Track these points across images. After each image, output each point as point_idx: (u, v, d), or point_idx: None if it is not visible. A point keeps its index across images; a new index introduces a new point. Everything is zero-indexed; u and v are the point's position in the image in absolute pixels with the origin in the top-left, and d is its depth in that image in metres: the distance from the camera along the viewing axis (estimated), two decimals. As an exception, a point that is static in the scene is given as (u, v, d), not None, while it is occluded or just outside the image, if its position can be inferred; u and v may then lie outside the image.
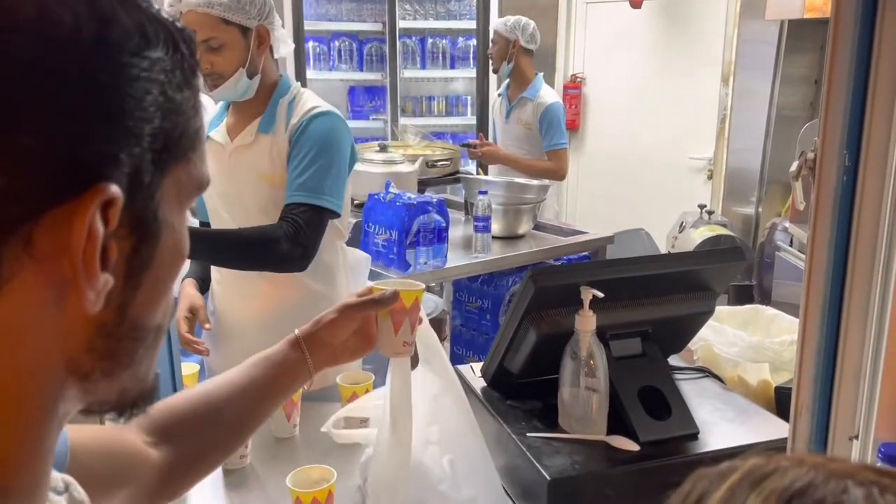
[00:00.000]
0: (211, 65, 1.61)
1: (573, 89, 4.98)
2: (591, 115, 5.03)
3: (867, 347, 0.95)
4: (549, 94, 3.51)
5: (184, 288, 1.76)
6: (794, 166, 1.62)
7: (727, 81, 4.25)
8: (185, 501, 1.28)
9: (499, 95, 3.74)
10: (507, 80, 3.60)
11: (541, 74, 3.58)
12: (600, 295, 1.18)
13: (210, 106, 1.89)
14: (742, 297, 3.66)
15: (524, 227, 2.96)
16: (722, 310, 1.63)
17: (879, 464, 0.87)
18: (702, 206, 3.91)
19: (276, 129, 1.69)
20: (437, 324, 3.01)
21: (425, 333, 1.07)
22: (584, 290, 1.19)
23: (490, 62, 3.62)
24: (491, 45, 3.57)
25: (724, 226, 3.81)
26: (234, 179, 1.71)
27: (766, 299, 3.55)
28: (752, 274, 3.79)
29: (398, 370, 1.04)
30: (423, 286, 1.06)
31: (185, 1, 1.60)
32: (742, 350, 1.44)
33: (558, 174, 3.45)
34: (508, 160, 3.49)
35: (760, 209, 4.16)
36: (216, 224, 1.80)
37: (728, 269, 1.31)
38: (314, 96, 1.76)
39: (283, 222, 1.61)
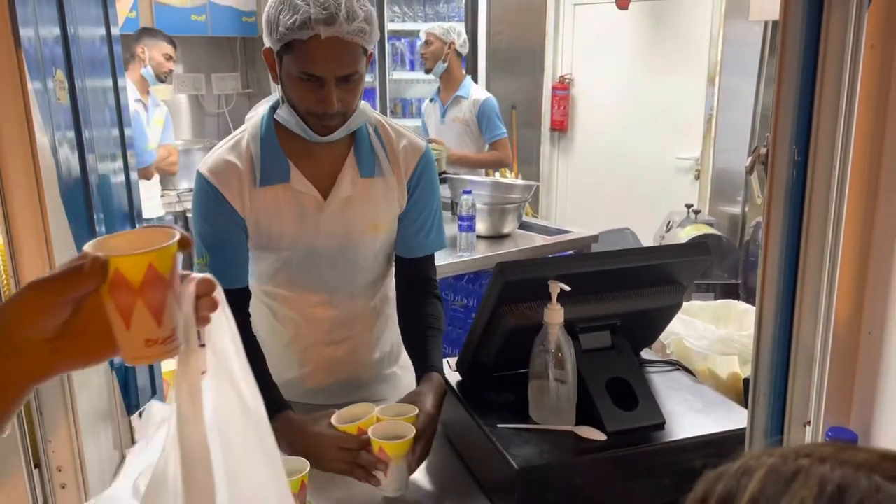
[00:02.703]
0: (340, 103, 1.31)
1: (561, 90, 5.01)
2: (580, 116, 5.06)
3: (818, 336, 0.98)
4: (482, 92, 3.85)
5: (296, 434, 1.29)
6: (747, 161, 1.65)
7: (713, 82, 4.29)
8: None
9: (431, 100, 3.98)
10: (438, 85, 3.87)
11: (469, 76, 3.89)
12: (567, 289, 1.21)
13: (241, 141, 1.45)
14: (728, 295, 3.69)
15: (509, 226, 2.99)
16: (694, 304, 1.66)
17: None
18: (689, 206, 3.95)
19: (381, 171, 1.46)
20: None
21: (216, 332, 0.72)
22: (551, 283, 1.22)
23: (424, 60, 3.84)
24: (424, 46, 3.81)
25: (711, 225, 3.85)
26: (342, 232, 1.45)
27: (751, 297, 3.57)
28: (738, 273, 3.82)
29: (183, 389, 0.68)
30: (171, 241, 0.64)
31: (325, 26, 1.25)
32: (711, 343, 1.47)
33: (504, 162, 3.80)
34: (457, 157, 3.69)
35: (747, 208, 4.19)
36: (312, 275, 1.47)
37: (694, 263, 1.34)
38: (389, 119, 1.54)
39: (438, 300, 1.57)
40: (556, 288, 1.22)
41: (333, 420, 1.25)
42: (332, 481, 1.31)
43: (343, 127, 1.36)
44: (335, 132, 1.35)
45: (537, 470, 1.16)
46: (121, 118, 1.28)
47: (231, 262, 1.41)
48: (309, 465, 1.19)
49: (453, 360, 1.52)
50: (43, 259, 0.89)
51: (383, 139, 1.48)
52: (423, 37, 3.85)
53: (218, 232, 1.39)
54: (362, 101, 1.41)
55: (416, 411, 1.30)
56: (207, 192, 1.37)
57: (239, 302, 1.42)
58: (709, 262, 1.32)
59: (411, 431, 1.23)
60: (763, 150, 1.66)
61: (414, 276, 1.57)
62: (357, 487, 1.27)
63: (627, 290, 1.34)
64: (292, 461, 1.20)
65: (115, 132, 1.27)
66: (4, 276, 0.88)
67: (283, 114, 1.37)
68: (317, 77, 1.28)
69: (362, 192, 1.45)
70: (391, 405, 1.34)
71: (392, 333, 1.65)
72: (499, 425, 1.26)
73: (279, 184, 1.40)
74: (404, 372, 1.69)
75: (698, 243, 1.35)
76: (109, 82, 1.24)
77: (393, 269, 1.61)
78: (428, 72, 3.85)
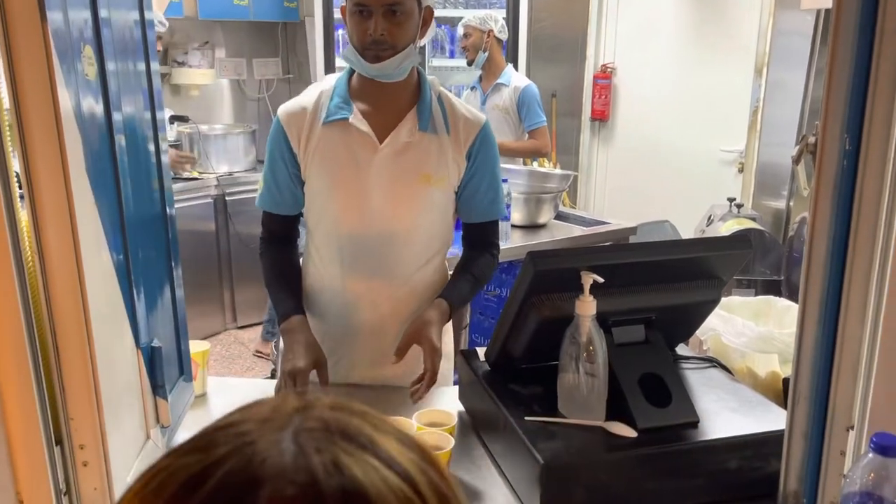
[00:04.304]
0: (386, 33, 1.45)
1: (603, 79, 4.92)
2: (621, 106, 4.97)
3: (865, 338, 0.93)
4: (522, 79, 3.76)
5: (299, 330, 1.51)
6: (794, 150, 1.58)
7: (760, 73, 4.16)
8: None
9: (472, 88, 3.92)
10: (480, 72, 3.79)
11: (510, 64, 3.82)
12: (600, 280, 1.17)
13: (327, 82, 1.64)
14: (770, 292, 3.59)
15: (545, 216, 2.95)
16: (733, 300, 1.61)
17: (871, 454, 0.85)
18: (731, 200, 3.85)
19: (436, 129, 1.55)
20: (457, 313, 3.02)
21: None
22: (584, 274, 1.19)
23: (465, 53, 3.79)
24: (464, 38, 3.75)
25: (754, 219, 3.74)
26: (394, 178, 1.54)
27: (794, 295, 3.47)
28: (780, 269, 3.72)
29: None
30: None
31: None
32: (750, 340, 1.42)
33: (542, 151, 3.74)
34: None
35: (792, 203, 4.07)
36: (363, 221, 1.56)
37: (734, 257, 1.29)
38: (450, 94, 1.65)
39: (493, 256, 1.67)
40: (588, 279, 1.19)
41: None
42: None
43: (394, 60, 1.47)
44: (385, 63, 1.47)
45: (564, 465, 1.13)
46: (153, 102, 1.27)
47: (282, 189, 1.59)
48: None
49: (482, 350, 1.50)
50: (67, 234, 0.88)
51: (445, 107, 1.59)
52: (460, 30, 3.81)
53: (275, 161, 1.58)
54: (431, 76, 1.60)
55: (455, 421, 1.32)
56: (276, 127, 1.58)
57: (282, 226, 1.64)
58: (750, 256, 1.27)
59: (449, 443, 1.21)
60: (812, 139, 1.59)
61: (477, 239, 1.67)
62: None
63: (664, 283, 1.29)
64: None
65: (147, 115, 1.26)
66: (29, 252, 0.87)
67: (347, 53, 1.52)
68: (366, 8, 1.44)
69: (418, 144, 1.54)
70: (426, 411, 1.34)
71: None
72: (526, 418, 1.23)
73: (340, 120, 1.53)
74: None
75: (739, 236, 1.30)
76: (142, 66, 1.23)
77: (445, 257, 1.69)
78: (470, 64, 3.80)
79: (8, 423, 0.88)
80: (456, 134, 1.57)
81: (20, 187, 0.88)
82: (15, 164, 0.87)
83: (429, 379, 1.45)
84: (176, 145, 4.28)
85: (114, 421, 0.99)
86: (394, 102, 1.56)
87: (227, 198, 4.27)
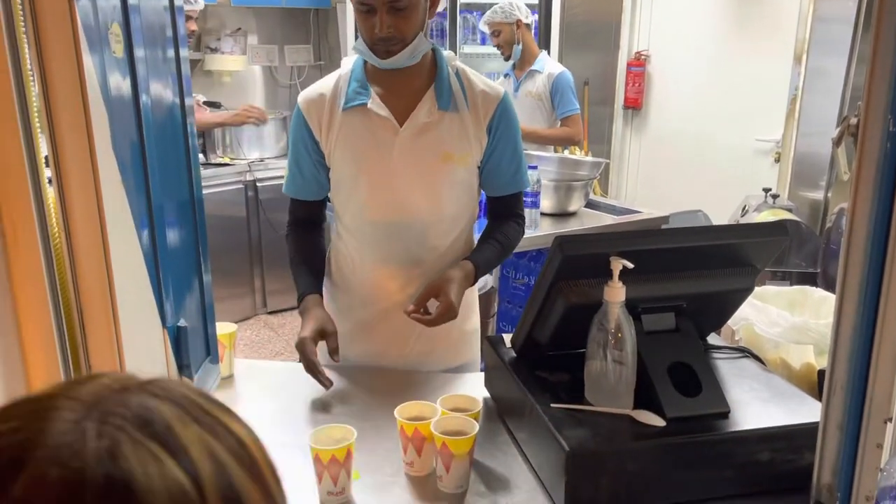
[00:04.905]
0: (394, 28, 1.44)
1: (636, 67, 4.85)
2: (655, 94, 4.89)
3: (906, 326, 0.89)
4: (556, 66, 3.69)
5: (312, 307, 1.54)
6: (835, 132, 1.53)
7: (800, 60, 4.05)
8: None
9: (505, 76, 3.84)
10: (513, 60, 3.73)
11: (544, 50, 3.77)
12: (630, 266, 1.15)
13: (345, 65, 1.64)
14: (806, 284, 3.52)
15: (575, 204, 2.91)
16: (767, 289, 1.57)
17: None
18: (766, 190, 3.77)
19: (456, 106, 1.54)
20: (485, 300, 3.01)
21: None
22: (613, 260, 1.16)
23: (500, 51, 3.72)
24: (493, 37, 3.68)
25: (790, 210, 3.66)
26: (416, 159, 1.54)
27: (830, 287, 3.39)
28: (817, 261, 3.63)
29: None
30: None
31: None
32: (785, 331, 1.38)
33: (575, 139, 3.65)
34: (527, 133, 3.54)
35: (830, 194, 3.97)
36: (389, 206, 1.57)
37: (769, 244, 1.26)
38: (468, 68, 1.63)
39: (518, 224, 1.67)
40: (617, 265, 1.16)
41: (396, 413, 1.24)
42: (384, 448, 1.29)
43: (405, 52, 1.48)
44: (396, 57, 1.48)
45: (590, 453, 1.11)
46: (182, 89, 1.26)
47: (306, 175, 1.61)
48: (356, 433, 1.17)
49: (508, 337, 1.48)
50: (93, 212, 0.89)
51: (463, 83, 1.58)
52: (486, 29, 3.73)
53: (298, 149, 1.60)
54: (447, 51, 1.60)
55: (480, 407, 1.31)
56: (297, 115, 1.59)
57: (308, 211, 1.67)
58: (786, 244, 1.23)
59: (474, 428, 1.19)
60: (853, 120, 1.54)
61: (502, 211, 1.67)
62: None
63: (695, 270, 1.26)
64: (340, 429, 1.18)
65: (177, 100, 1.26)
66: (57, 228, 0.88)
67: (358, 45, 1.52)
68: (369, 6, 1.43)
69: (438, 123, 1.54)
70: (451, 396, 1.33)
71: (468, 307, 1.68)
72: (552, 405, 1.21)
73: (359, 106, 1.53)
74: (463, 336, 1.70)
75: (775, 223, 1.27)
76: (171, 52, 1.23)
77: (473, 233, 1.69)
78: (507, 59, 3.74)
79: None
80: (475, 109, 1.56)
81: (47, 166, 0.88)
82: (43, 148, 0.87)
83: (426, 321, 1.46)
84: (214, 103, 4.30)
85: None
86: (411, 83, 1.55)
87: (257, 184, 4.30)
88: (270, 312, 4.53)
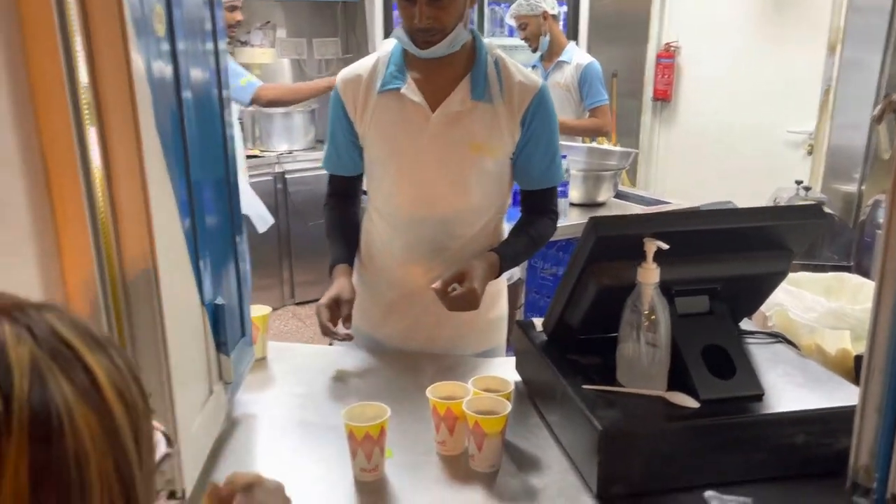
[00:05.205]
0: (433, 19, 1.45)
1: (666, 58, 4.81)
2: (684, 86, 4.85)
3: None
4: (585, 56, 3.65)
5: (336, 275, 1.59)
6: (876, 109, 1.51)
7: (834, 50, 3.99)
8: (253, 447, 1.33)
9: (532, 67, 3.81)
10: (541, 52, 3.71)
11: (572, 41, 3.74)
12: (665, 247, 1.15)
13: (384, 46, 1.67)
14: (838, 278, 3.47)
15: (604, 194, 2.90)
16: (802, 276, 1.55)
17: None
18: (798, 182, 3.72)
19: (490, 97, 1.53)
20: (512, 291, 3.01)
21: None
22: (647, 241, 1.16)
23: (528, 44, 3.69)
24: (520, 31, 3.65)
25: (823, 203, 3.61)
26: (445, 148, 1.54)
27: (864, 281, 3.34)
28: (850, 254, 3.58)
29: None
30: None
31: None
32: (820, 316, 1.36)
33: (603, 130, 3.60)
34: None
35: (864, 187, 3.91)
36: (416, 193, 1.58)
37: (805, 227, 1.24)
38: (507, 57, 1.61)
39: (551, 220, 1.67)
40: (652, 246, 1.16)
41: (428, 393, 1.26)
42: (415, 429, 1.31)
43: (444, 42, 1.48)
44: (435, 47, 1.48)
45: (622, 433, 1.11)
46: (220, 81, 1.28)
47: (341, 152, 1.65)
48: (389, 411, 1.18)
49: (539, 321, 1.48)
50: (137, 183, 0.91)
51: (501, 72, 1.56)
52: (513, 22, 3.71)
53: (335, 126, 1.63)
54: (488, 40, 1.59)
55: (511, 387, 1.31)
56: (335, 94, 1.62)
57: (344, 186, 1.71)
58: (822, 227, 1.21)
59: (506, 408, 1.20)
60: (895, 97, 1.51)
61: (534, 206, 1.66)
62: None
63: (730, 252, 1.25)
64: (373, 407, 1.20)
65: (215, 91, 1.28)
66: (102, 199, 0.90)
67: (397, 33, 1.54)
68: None
69: (470, 113, 1.53)
70: (483, 377, 1.34)
71: (496, 294, 1.69)
72: (583, 386, 1.21)
73: (394, 90, 1.55)
74: (489, 323, 1.71)
75: (811, 205, 1.25)
76: (210, 45, 1.25)
77: (502, 224, 1.68)
78: (535, 51, 3.72)
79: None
80: (510, 100, 1.54)
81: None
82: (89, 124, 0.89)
83: (447, 302, 1.46)
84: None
85: (179, 373, 1.02)
86: (448, 71, 1.55)
87: (286, 176, 4.34)
88: (298, 303, 4.57)
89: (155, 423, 0.58)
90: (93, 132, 0.88)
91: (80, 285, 0.91)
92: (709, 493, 1.11)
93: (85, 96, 0.87)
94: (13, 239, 0.82)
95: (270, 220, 3.45)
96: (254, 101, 3.31)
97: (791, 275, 1.45)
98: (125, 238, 0.93)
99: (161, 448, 0.57)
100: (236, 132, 3.50)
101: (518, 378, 1.50)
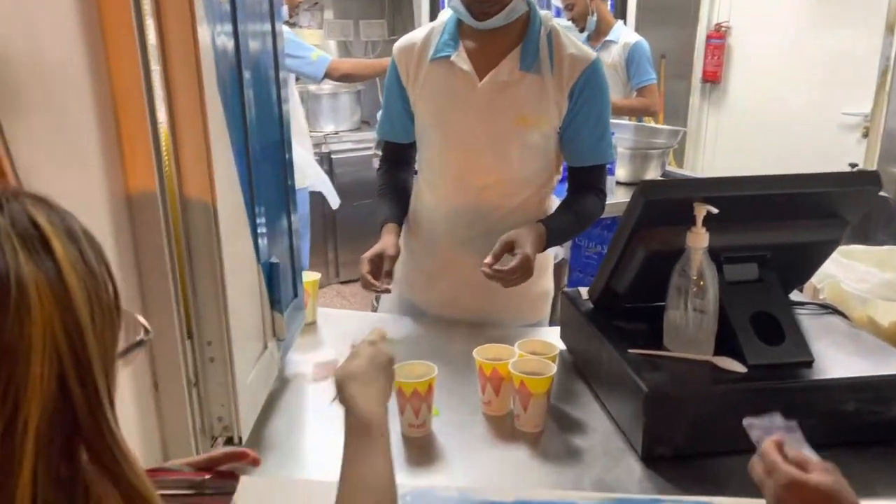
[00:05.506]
0: None
1: (716, 39, 4.72)
2: (735, 67, 4.75)
3: None
4: (632, 35, 3.60)
5: (384, 234, 1.60)
6: None
7: (892, 30, 3.87)
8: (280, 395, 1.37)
9: None
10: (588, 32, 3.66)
11: (620, 20, 3.69)
12: (714, 211, 1.14)
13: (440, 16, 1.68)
14: (892, 263, 3.39)
15: (651, 173, 2.88)
16: (856, 248, 1.53)
17: None
18: (853, 165, 3.63)
19: (539, 69, 1.52)
20: (556, 271, 3.00)
21: None
22: (697, 205, 1.16)
23: (575, 24, 3.64)
24: (566, 11, 3.61)
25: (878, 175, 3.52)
26: (490, 118, 1.55)
27: (919, 266, 3.25)
28: (905, 240, 3.48)
29: None
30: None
31: None
32: (873, 287, 1.35)
33: (650, 110, 3.53)
34: None
35: (921, 171, 3.79)
36: (458, 161, 1.59)
37: (860, 194, 1.22)
38: (565, 31, 1.60)
39: (599, 199, 1.65)
40: (701, 211, 1.16)
41: (475, 354, 1.28)
42: (461, 391, 1.33)
43: (501, 14, 1.50)
44: (493, 18, 1.50)
45: (669, 396, 1.12)
46: (277, 63, 1.31)
47: (394, 119, 1.68)
48: (437, 369, 1.21)
49: (585, 290, 1.49)
50: (200, 142, 0.94)
51: (553, 44, 1.55)
52: (559, 4, 3.68)
53: (390, 93, 1.67)
54: (544, 11, 1.59)
55: (557, 351, 1.32)
56: (392, 62, 1.65)
57: (397, 152, 1.74)
58: (877, 193, 1.20)
59: (552, 369, 1.22)
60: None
61: (581, 184, 1.64)
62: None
63: (781, 219, 1.24)
64: (421, 365, 1.22)
65: (272, 73, 1.31)
66: (167, 156, 0.94)
67: (454, 4, 1.54)
68: None
69: (517, 84, 1.53)
70: (528, 340, 1.35)
71: (542, 268, 1.70)
72: (629, 350, 1.22)
73: (445, 58, 1.56)
74: (533, 297, 1.71)
75: (867, 171, 1.23)
76: (268, 27, 1.28)
77: (547, 199, 1.68)
78: (582, 31, 3.69)
79: (148, 316, 0.95)
80: (560, 72, 1.54)
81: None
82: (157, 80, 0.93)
83: (502, 279, 1.43)
84: None
85: (236, 325, 1.06)
86: (501, 41, 1.55)
87: (332, 156, 4.38)
88: (343, 282, 4.63)
89: (139, 318, 0.59)
90: (160, 94, 0.92)
91: (149, 240, 0.95)
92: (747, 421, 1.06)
93: (153, 54, 0.91)
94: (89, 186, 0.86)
95: (338, 199, 3.52)
96: (327, 76, 3.24)
97: (842, 247, 1.43)
98: (188, 189, 0.97)
99: (139, 335, 0.58)
100: (300, 112, 3.52)
101: (563, 347, 1.51)
